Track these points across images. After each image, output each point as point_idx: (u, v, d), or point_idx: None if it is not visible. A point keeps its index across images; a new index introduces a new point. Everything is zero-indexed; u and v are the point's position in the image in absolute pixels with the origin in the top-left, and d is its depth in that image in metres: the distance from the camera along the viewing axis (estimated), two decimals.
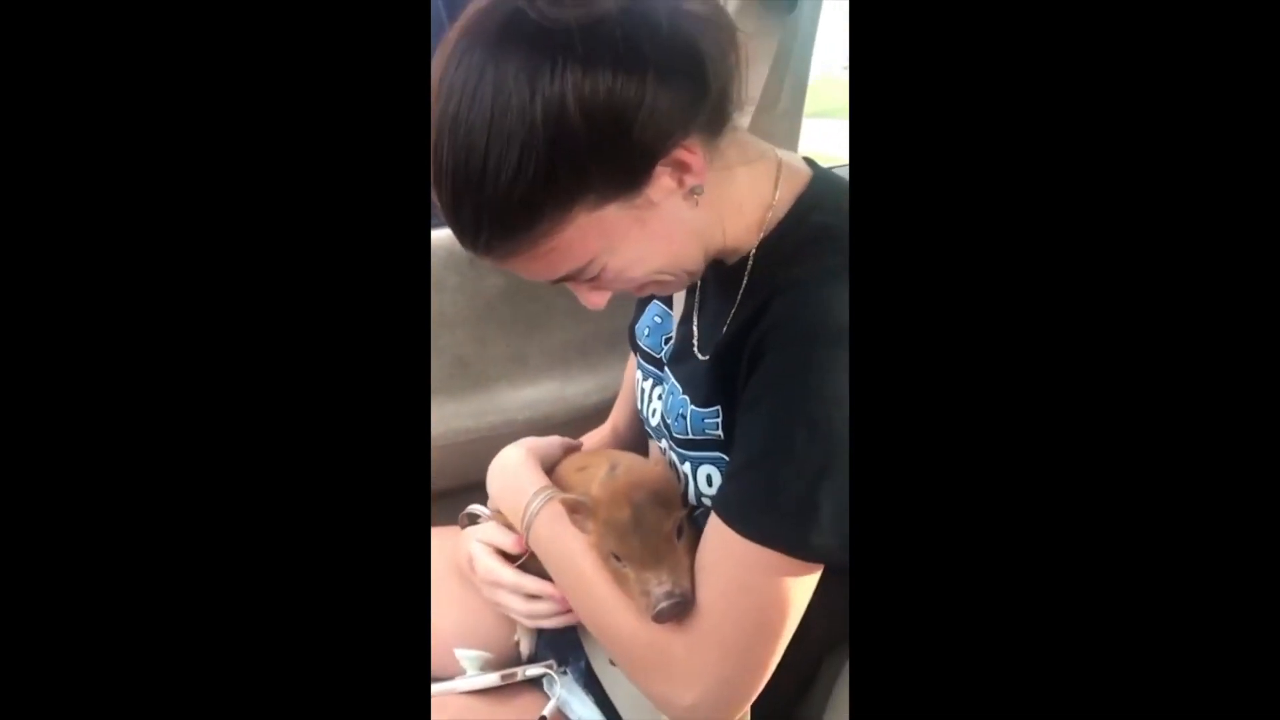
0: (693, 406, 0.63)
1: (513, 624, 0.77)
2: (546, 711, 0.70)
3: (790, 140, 1.05)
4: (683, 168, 0.52)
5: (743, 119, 0.58)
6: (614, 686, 0.70)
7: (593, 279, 0.56)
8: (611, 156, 0.48)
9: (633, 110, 0.47)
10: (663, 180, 0.52)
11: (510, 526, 0.71)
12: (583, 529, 0.64)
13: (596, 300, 0.60)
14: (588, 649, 0.73)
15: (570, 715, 0.72)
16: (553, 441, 0.76)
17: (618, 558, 0.61)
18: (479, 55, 0.48)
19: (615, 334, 1.14)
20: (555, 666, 0.73)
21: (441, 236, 1.01)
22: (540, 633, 0.77)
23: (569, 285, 0.58)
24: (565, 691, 0.72)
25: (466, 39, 0.49)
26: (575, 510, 0.65)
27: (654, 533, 0.60)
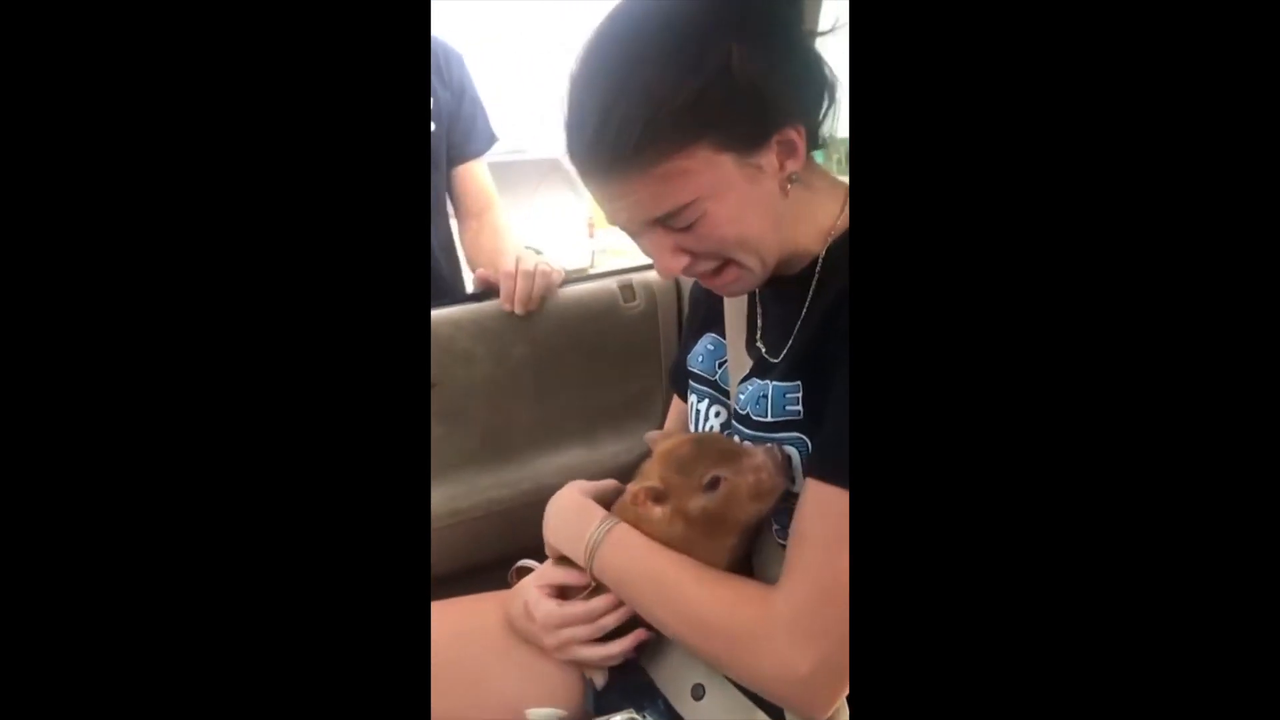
0: (774, 383, 0.67)
1: (577, 673, 0.77)
2: None
3: None
4: (789, 148, 0.62)
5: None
6: (696, 718, 0.70)
7: (687, 227, 0.62)
8: (745, 110, 0.59)
9: (774, 83, 0.59)
10: (772, 155, 0.62)
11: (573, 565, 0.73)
12: (656, 515, 0.67)
13: (673, 264, 0.65)
14: (663, 687, 0.73)
15: None
16: (605, 483, 0.78)
17: (715, 482, 0.65)
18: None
19: (635, 399, 1.18)
20: (635, 713, 0.72)
21: (471, 310, 1.06)
22: (612, 683, 0.76)
23: (655, 242, 0.64)
24: None
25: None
26: (649, 498, 0.68)
27: (723, 442, 0.68)
